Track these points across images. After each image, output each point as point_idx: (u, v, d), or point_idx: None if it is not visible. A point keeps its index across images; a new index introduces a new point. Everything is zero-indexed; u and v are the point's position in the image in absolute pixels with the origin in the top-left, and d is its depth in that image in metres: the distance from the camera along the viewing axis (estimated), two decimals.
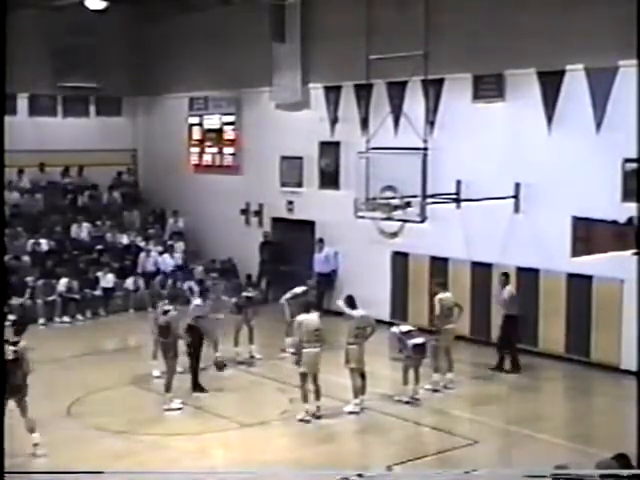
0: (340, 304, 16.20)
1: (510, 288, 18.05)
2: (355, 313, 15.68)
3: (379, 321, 16.61)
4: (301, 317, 15.33)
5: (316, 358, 15.05)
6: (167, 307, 16.28)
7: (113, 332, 21.95)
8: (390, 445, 14.33)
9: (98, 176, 27.44)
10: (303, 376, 15.08)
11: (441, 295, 17.14)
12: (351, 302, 15.87)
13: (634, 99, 16.06)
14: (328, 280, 22.88)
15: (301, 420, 14.93)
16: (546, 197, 18.64)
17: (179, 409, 15.59)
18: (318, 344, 15.04)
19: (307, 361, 15.04)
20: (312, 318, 15.24)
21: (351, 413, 15.37)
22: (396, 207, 17.99)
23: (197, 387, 16.55)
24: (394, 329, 16.41)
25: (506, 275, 18.21)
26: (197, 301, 17.35)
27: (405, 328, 16.36)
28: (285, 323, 18.62)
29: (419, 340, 16.03)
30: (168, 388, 15.68)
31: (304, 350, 15.03)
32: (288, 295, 19.03)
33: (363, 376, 15.55)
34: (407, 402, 15.84)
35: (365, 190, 18.54)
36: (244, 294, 19.07)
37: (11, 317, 21.06)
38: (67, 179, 27.18)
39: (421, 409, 15.73)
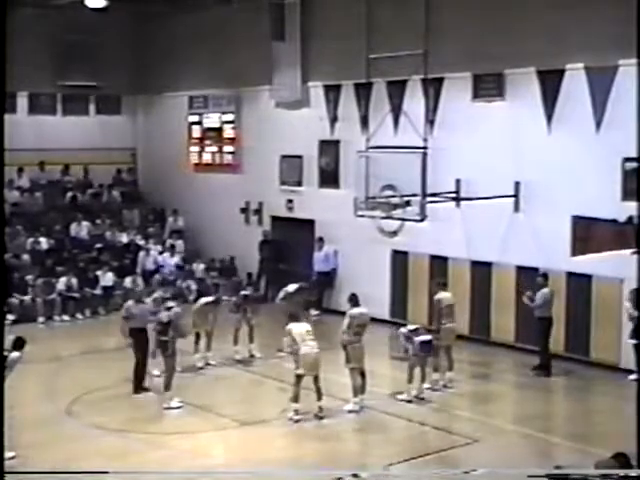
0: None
1: (546, 290, 17.62)
2: (354, 311, 15.65)
3: (379, 320, 16.60)
4: (290, 326, 15.27)
5: (314, 359, 14.98)
6: (168, 305, 16.31)
7: (112, 331, 21.66)
8: (390, 444, 14.32)
9: (98, 175, 27.45)
10: (298, 377, 14.99)
11: (439, 295, 17.09)
12: (354, 300, 15.84)
13: (634, 98, 16.04)
14: (328, 279, 22.88)
15: (290, 419, 14.88)
16: (546, 196, 18.63)
17: (178, 408, 15.58)
18: (315, 344, 15.00)
19: (305, 362, 14.97)
20: (301, 326, 15.21)
21: (351, 412, 15.35)
22: (396, 206, 18.01)
23: (140, 389, 16.45)
24: (402, 330, 16.34)
25: (545, 276, 17.82)
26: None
27: (412, 327, 16.37)
28: (284, 323, 18.60)
29: (426, 337, 16.03)
30: (167, 387, 15.68)
31: (301, 352, 14.93)
32: (281, 295, 19.03)
33: (363, 375, 15.53)
34: (409, 401, 15.83)
35: (365, 189, 18.53)
36: (243, 293, 19.06)
37: (10, 316, 21.16)
38: (67, 177, 27.19)
39: (421, 408, 15.71)
